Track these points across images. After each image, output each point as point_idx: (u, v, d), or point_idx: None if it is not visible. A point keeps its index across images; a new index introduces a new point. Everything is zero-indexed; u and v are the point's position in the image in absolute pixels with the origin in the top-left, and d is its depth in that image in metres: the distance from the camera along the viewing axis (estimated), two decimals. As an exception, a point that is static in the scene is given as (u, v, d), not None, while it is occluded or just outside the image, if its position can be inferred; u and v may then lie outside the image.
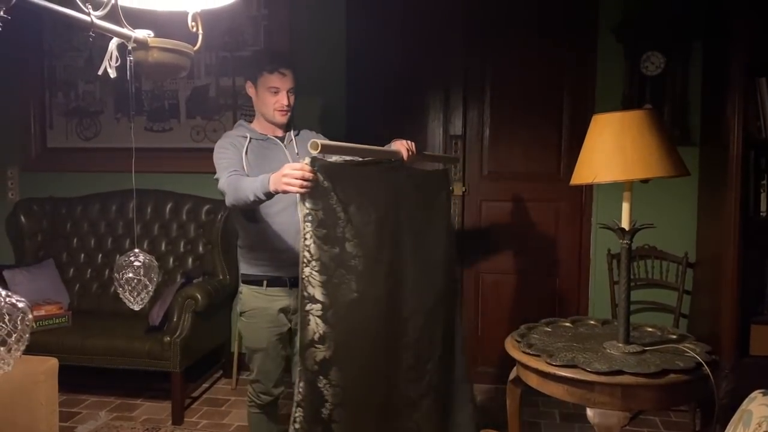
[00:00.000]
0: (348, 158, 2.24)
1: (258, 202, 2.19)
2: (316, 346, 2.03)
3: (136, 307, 1.46)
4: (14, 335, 1.00)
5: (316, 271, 2.01)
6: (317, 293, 2.02)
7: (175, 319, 3.42)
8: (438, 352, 2.50)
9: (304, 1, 3.85)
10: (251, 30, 3.98)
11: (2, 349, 1.00)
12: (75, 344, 3.47)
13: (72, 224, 4.14)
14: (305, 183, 1.97)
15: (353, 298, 2.11)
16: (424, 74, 3.83)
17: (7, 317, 0.98)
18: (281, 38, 3.89)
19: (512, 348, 2.28)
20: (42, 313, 3.55)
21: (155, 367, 3.42)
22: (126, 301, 1.45)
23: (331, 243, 2.06)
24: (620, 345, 2.16)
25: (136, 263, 1.43)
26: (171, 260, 3.99)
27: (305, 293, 2.02)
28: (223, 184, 2.32)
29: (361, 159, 2.26)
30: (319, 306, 2.03)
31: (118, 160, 3.99)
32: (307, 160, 1.99)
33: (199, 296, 3.45)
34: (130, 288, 1.44)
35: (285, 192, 2.04)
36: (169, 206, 4.04)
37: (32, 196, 4.22)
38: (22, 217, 4.09)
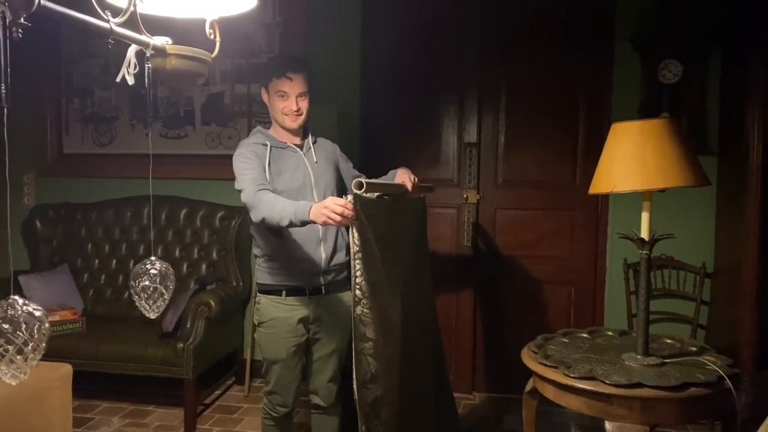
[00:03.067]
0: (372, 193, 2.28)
1: (290, 226, 2.22)
2: (369, 386, 2.05)
3: (152, 315, 1.46)
4: (31, 344, 0.99)
5: (367, 308, 2.04)
6: (368, 331, 2.04)
7: (188, 326, 3.42)
8: (434, 374, 2.57)
9: (319, 8, 3.85)
10: (266, 37, 3.99)
11: (19, 357, 0.99)
12: (88, 350, 3.47)
13: (87, 230, 4.15)
14: (345, 220, 2.02)
15: (392, 333, 2.15)
16: (438, 81, 3.81)
17: (24, 326, 0.97)
18: (296, 45, 3.89)
19: (529, 359, 2.25)
20: (56, 318, 3.56)
21: (168, 373, 3.41)
22: (142, 309, 1.44)
23: (376, 279, 2.09)
24: (639, 357, 2.13)
25: (153, 271, 1.42)
26: (185, 266, 3.99)
27: (357, 332, 2.03)
28: (251, 199, 2.29)
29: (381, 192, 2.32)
30: (371, 344, 2.04)
31: (133, 167, 4.03)
32: (350, 197, 2.03)
33: (212, 303, 3.45)
34: (146, 296, 1.43)
35: (324, 224, 2.09)
36: (183, 212, 4.05)
37: (48, 201, 4.25)
38: (38, 223, 4.11)
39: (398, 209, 2.41)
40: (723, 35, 3.30)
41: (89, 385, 3.60)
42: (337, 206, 2.01)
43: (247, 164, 2.39)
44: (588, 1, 3.61)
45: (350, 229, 2.04)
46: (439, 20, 3.77)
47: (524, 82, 3.72)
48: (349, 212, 2.01)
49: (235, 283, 3.81)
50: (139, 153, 4.15)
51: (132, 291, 1.43)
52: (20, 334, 0.97)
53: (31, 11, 1.00)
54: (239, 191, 2.37)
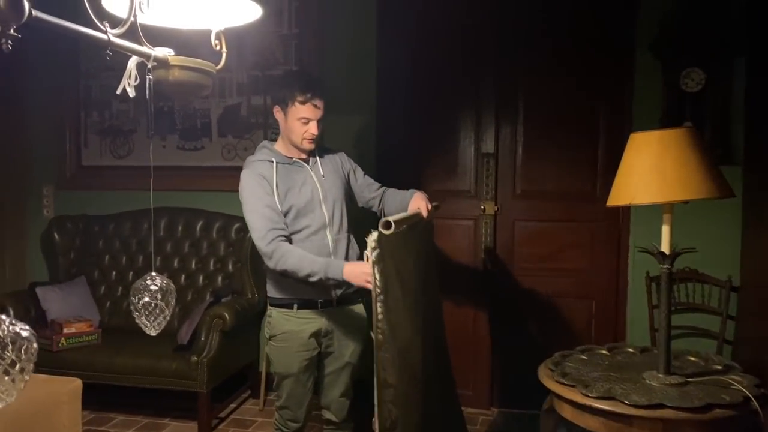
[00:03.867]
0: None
1: (319, 282, 2.29)
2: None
3: (153, 333, 1.42)
4: (18, 365, 0.96)
5: (388, 354, 2.00)
6: (390, 377, 2.00)
7: (202, 339, 3.40)
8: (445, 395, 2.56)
9: (334, 20, 3.84)
10: (282, 49, 3.98)
11: (6, 378, 0.96)
12: (104, 362, 3.47)
13: (104, 242, 4.17)
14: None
15: (411, 372, 2.13)
16: (455, 92, 3.77)
17: (10, 346, 0.94)
18: (312, 57, 3.88)
19: (546, 377, 2.18)
20: (72, 330, 3.56)
21: (182, 386, 3.39)
22: (142, 326, 1.40)
23: (396, 321, 2.05)
24: (661, 376, 2.04)
25: (153, 287, 1.39)
26: (201, 278, 3.99)
27: (380, 378, 1.99)
28: (269, 250, 2.30)
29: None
30: (392, 391, 2.01)
31: (150, 179, 4.03)
32: (375, 235, 1.99)
33: (226, 315, 3.42)
34: (147, 312, 1.40)
35: (362, 287, 2.18)
36: (200, 224, 4.05)
37: (67, 213, 4.27)
38: (56, 235, 4.13)
39: (412, 236, 2.39)
40: (747, 42, 3.21)
41: (104, 398, 3.59)
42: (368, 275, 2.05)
43: (255, 195, 2.37)
44: (607, 9, 3.54)
45: (373, 270, 1.99)
46: (455, 30, 3.73)
47: (542, 91, 3.66)
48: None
49: (250, 296, 3.79)
50: (156, 165, 4.16)
51: (132, 307, 1.39)
52: (7, 354, 0.93)
53: (21, 22, 0.97)
54: (247, 221, 2.39)
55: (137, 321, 1.40)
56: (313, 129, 2.42)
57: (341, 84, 3.75)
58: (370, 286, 2.03)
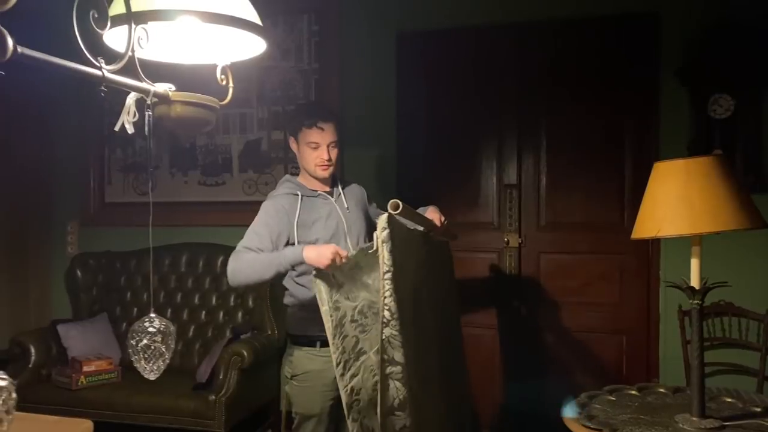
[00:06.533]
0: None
1: (279, 276, 2.26)
2: (396, 413, 1.96)
3: (152, 377, 1.37)
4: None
5: (396, 331, 1.95)
6: (397, 355, 1.95)
7: (221, 377, 3.34)
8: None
9: (354, 55, 3.83)
10: (302, 84, 3.98)
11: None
12: (122, 401, 3.42)
13: (126, 278, 4.16)
14: (330, 267, 2.06)
15: (419, 358, 2.10)
16: (476, 121, 3.71)
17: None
18: (331, 91, 3.88)
19: (571, 420, 2.07)
20: (92, 368, 3.54)
21: (201, 426, 3.31)
22: (141, 370, 1.35)
23: (405, 301, 2.03)
24: (695, 419, 1.92)
25: (151, 329, 1.34)
26: (221, 314, 3.95)
27: (385, 356, 1.94)
28: (231, 259, 2.29)
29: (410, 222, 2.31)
30: (399, 369, 1.95)
31: (173, 214, 4.04)
32: (385, 216, 2.00)
33: (245, 353, 3.36)
34: (145, 356, 1.35)
35: (322, 266, 2.08)
36: (220, 259, 4.01)
37: (90, 250, 4.28)
38: (78, 272, 4.14)
39: (422, 246, 2.38)
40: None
41: (122, 437, 3.53)
42: (336, 251, 2.07)
43: (261, 224, 2.36)
44: (631, 35, 3.47)
45: (381, 248, 1.97)
46: (476, 60, 3.70)
47: (565, 120, 3.58)
48: (339, 261, 2.06)
49: (269, 332, 3.72)
50: (178, 201, 4.18)
51: (130, 350, 1.34)
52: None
53: (4, 59, 0.94)
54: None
55: (135, 365, 1.35)
56: (322, 154, 2.41)
57: (361, 118, 3.74)
58: (328, 266, 2.04)
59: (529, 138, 3.63)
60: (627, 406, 2.16)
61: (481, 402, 3.58)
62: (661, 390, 2.34)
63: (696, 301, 1.93)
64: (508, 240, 3.62)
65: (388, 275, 1.94)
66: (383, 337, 1.94)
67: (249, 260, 2.25)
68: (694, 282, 1.93)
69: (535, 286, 3.63)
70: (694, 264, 1.94)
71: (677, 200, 1.89)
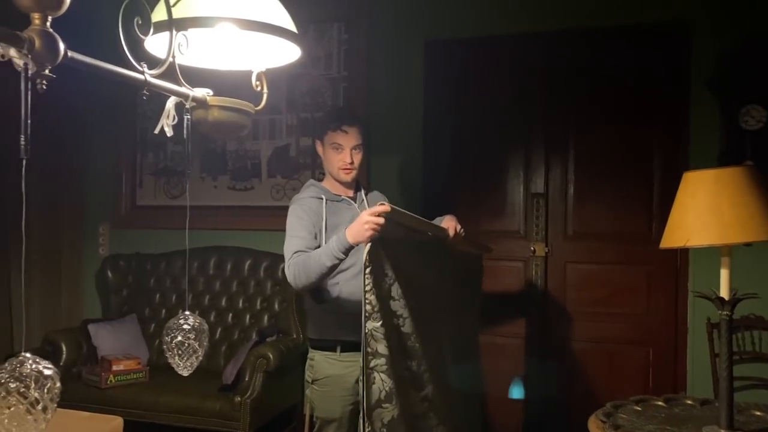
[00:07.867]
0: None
1: (336, 266, 2.20)
2: (383, 405, 1.98)
3: (185, 373, 1.40)
4: (40, 404, 0.94)
5: (378, 323, 2.00)
6: (380, 347, 1.99)
7: (246, 379, 3.38)
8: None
9: (382, 63, 3.87)
10: (330, 91, 4.03)
11: (30, 417, 0.95)
12: (149, 401, 3.48)
13: (155, 280, 4.24)
14: (378, 227, 2.03)
15: (408, 347, 2.15)
16: (503, 129, 3.72)
17: (33, 385, 0.93)
18: (359, 99, 3.92)
19: (596, 429, 2.06)
20: (120, 368, 3.60)
21: (225, 427, 3.36)
22: (175, 366, 1.39)
23: (385, 296, 2.09)
24: (722, 431, 1.90)
25: (186, 326, 1.37)
26: (247, 317, 4.00)
27: (369, 349, 1.99)
28: (287, 271, 2.29)
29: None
30: (383, 360, 1.99)
31: (202, 218, 4.10)
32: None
33: (270, 356, 3.40)
34: (179, 352, 1.38)
35: (370, 238, 2.05)
36: (248, 263, 4.07)
37: (121, 252, 4.37)
38: (109, 273, 4.22)
39: (434, 253, 2.40)
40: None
41: (149, 437, 3.58)
42: (371, 216, 2.04)
43: (297, 225, 2.37)
44: (661, 45, 3.46)
45: (364, 246, 2.04)
46: (503, 69, 3.71)
47: (594, 130, 3.57)
48: (381, 220, 2.04)
49: (295, 336, 3.76)
50: (208, 205, 4.25)
51: (165, 347, 1.38)
52: (30, 393, 0.92)
53: (56, 63, 0.99)
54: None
55: (170, 360, 1.38)
56: (346, 157, 2.44)
57: (388, 125, 3.77)
58: (375, 233, 2.03)
59: (556, 146, 3.63)
60: (653, 416, 2.14)
61: (504, 411, 3.57)
62: (689, 402, 2.32)
63: (725, 313, 1.91)
64: (534, 249, 3.61)
65: (368, 270, 2.00)
66: (366, 331, 1.99)
67: (303, 262, 2.23)
68: (724, 293, 1.92)
69: (561, 296, 3.61)
70: (724, 275, 1.92)
71: (707, 210, 1.88)
